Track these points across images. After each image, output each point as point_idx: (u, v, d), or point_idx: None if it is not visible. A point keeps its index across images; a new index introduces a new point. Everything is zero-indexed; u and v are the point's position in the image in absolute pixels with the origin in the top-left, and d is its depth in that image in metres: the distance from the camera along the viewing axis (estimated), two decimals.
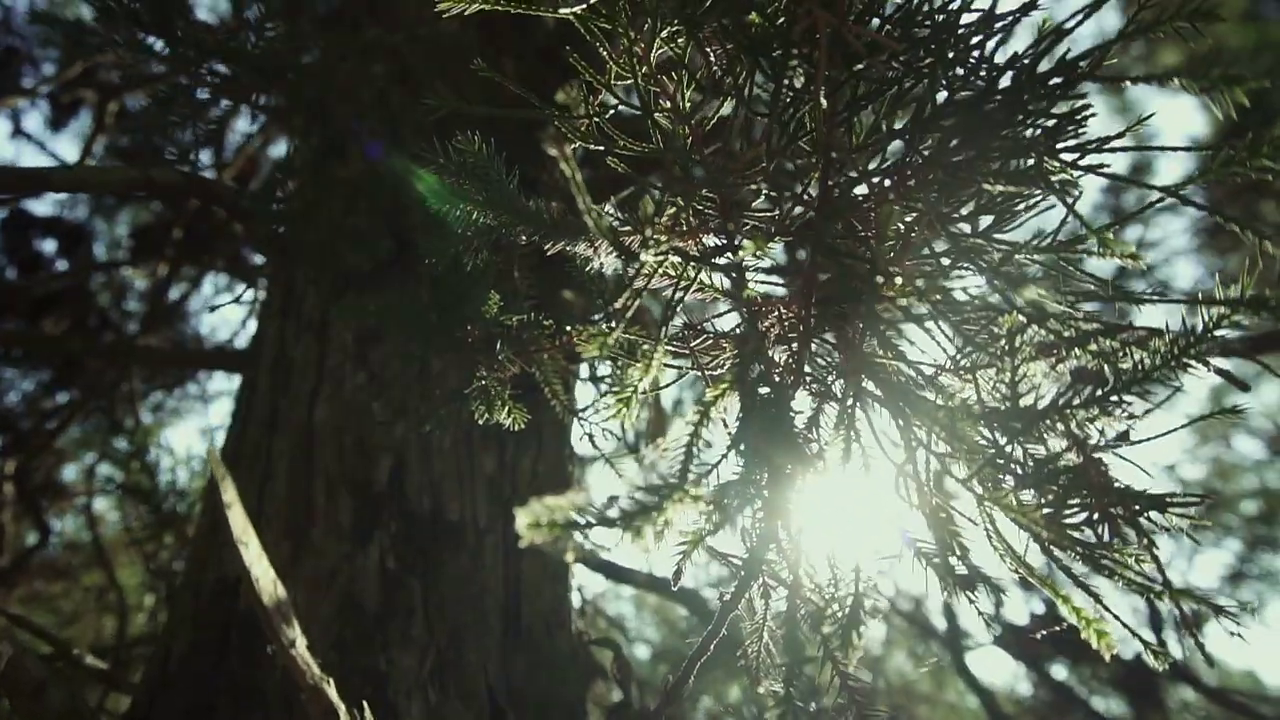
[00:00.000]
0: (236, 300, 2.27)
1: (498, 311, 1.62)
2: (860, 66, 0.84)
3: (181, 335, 4.99)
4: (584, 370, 2.26)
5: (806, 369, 1.03)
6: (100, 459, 3.99)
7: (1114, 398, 0.81)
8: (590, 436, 1.84)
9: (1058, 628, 0.92)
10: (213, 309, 3.58)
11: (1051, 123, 0.84)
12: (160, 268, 4.04)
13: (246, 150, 4.58)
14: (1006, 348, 0.85)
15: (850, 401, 0.99)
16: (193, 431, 14.22)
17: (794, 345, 1.04)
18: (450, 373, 1.81)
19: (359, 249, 1.91)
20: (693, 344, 1.11)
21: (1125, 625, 0.79)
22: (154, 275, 4.19)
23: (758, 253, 0.86)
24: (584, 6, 0.96)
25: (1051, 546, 0.83)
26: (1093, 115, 0.86)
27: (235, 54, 1.68)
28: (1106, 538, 0.81)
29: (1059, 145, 0.84)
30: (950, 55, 0.81)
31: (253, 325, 4.04)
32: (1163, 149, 0.89)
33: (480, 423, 1.50)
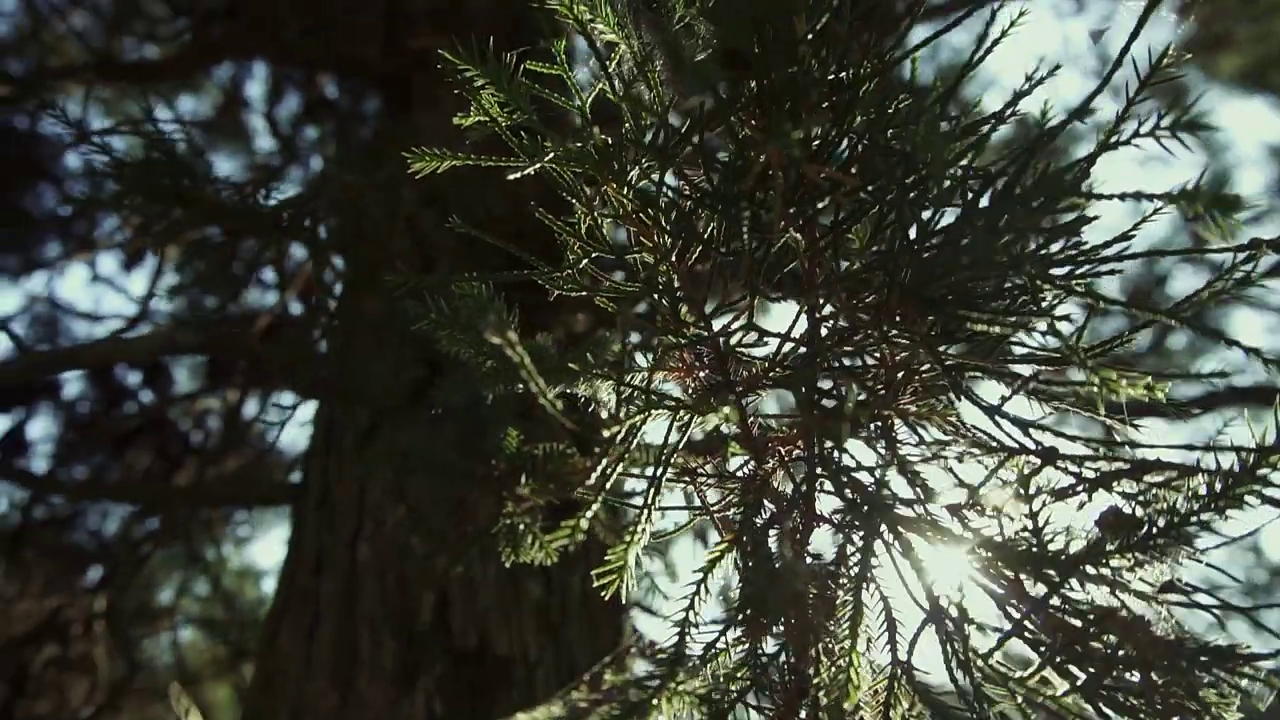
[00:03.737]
0: (281, 425, 2.31)
1: (519, 445, 1.59)
2: (822, 205, 0.79)
3: (261, 454, 5.13)
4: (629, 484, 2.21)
5: (817, 509, 0.96)
6: (181, 590, 4.10)
7: (1151, 543, 0.72)
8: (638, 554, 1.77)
9: None
10: (264, 422, 3.68)
11: (1041, 239, 0.78)
12: (230, 394, 4.18)
13: (304, 270, 4.76)
14: (1021, 491, 0.77)
15: (865, 544, 0.91)
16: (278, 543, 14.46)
17: (801, 484, 0.97)
18: (485, 503, 1.79)
19: (389, 385, 1.92)
20: (696, 483, 1.05)
21: None
22: (225, 400, 4.34)
23: (729, 419, 0.81)
24: (561, 149, 0.94)
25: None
26: (1092, 221, 0.79)
27: (251, 212, 1.73)
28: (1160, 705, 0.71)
29: (1051, 266, 0.77)
30: (917, 180, 0.76)
31: None
32: (1171, 253, 0.81)
33: (509, 561, 1.46)
